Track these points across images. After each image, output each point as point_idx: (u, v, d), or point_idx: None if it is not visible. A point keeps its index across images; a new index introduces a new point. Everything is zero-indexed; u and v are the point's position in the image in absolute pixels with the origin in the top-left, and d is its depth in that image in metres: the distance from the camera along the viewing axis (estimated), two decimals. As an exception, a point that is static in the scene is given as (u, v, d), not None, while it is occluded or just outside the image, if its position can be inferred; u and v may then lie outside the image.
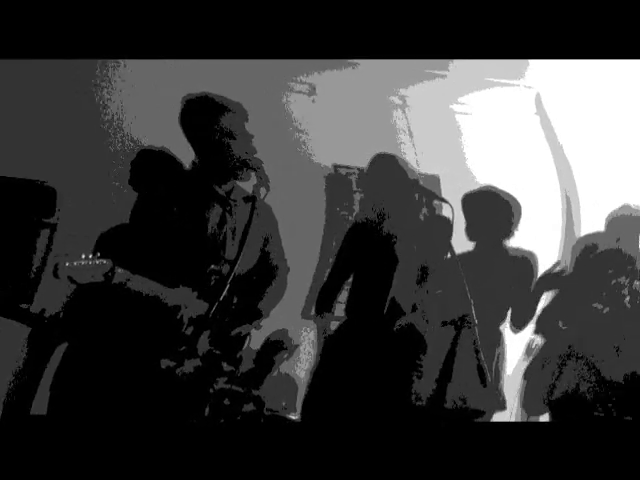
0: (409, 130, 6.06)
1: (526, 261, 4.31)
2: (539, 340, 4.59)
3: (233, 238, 3.35)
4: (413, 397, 3.85)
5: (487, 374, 3.85)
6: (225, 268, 3.27)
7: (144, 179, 3.64)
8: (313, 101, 6.03)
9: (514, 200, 4.29)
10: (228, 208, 3.38)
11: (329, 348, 3.96)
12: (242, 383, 3.42)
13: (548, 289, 4.31)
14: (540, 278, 4.24)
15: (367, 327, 3.89)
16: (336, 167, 6.24)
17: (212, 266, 3.30)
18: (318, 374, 3.96)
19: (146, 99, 5.37)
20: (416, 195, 3.96)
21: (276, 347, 5.32)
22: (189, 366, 3.19)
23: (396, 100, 6.23)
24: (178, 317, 3.18)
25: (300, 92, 6.05)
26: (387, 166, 4.03)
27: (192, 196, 3.33)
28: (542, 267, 4.37)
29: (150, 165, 3.72)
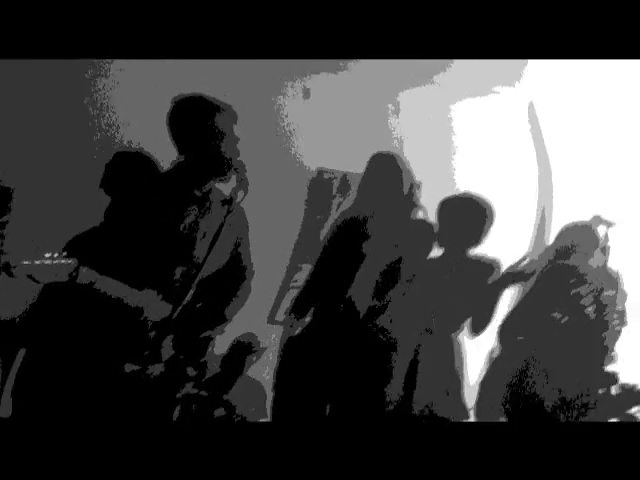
0: (400, 135, 6.10)
1: (489, 267, 4.32)
2: (498, 350, 4.64)
3: (204, 240, 3.33)
4: (385, 401, 3.86)
5: (451, 383, 3.98)
6: (192, 270, 3.26)
7: (116, 182, 3.66)
8: (304, 98, 6.05)
9: (485, 208, 4.31)
10: (202, 210, 3.37)
11: (291, 349, 3.99)
12: (209, 388, 3.43)
13: (512, 283, 4.26)
14: (505, 272, 4.24)
15: (327, 328, 3.90)
16: (320, 171, 6.29)
17: (179, 268, 3.30)
18: (280, 378, 3.98)
19: (135, 100, 5.43)
20: (414, 199, 4.01)
21: (244, 351, 5.39)
22: (154, 370, 3.20)
23: (390, 105, 6.29)
24: (141, 320, 3.18)
25: (294, 95, 6.10)
26: (387, 165, 4.05)
27: (167, 197, 3.32)
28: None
29: (123, 167, 3.74)
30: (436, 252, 4.30)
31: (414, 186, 4.06)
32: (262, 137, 5.72)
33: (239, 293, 3.62)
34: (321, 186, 6.31)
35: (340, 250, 4.00)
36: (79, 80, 5.44)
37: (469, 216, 4.30)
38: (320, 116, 5.98)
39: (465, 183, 5.45)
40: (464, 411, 4.17)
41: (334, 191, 6.31)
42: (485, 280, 4.28)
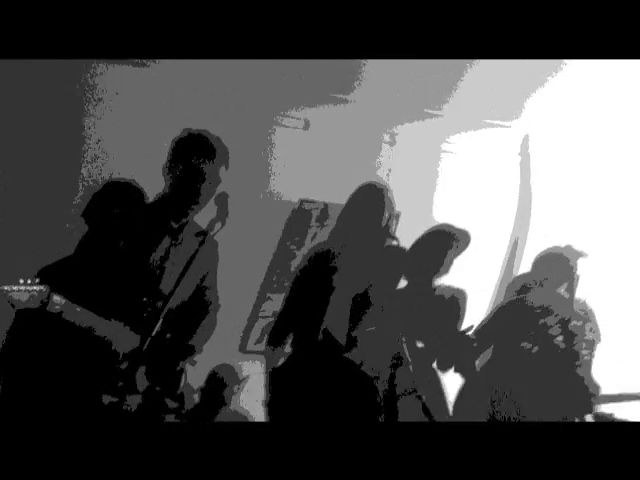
0: (390, 166, 6.12)
1: (454, 300, 4.43)
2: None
3: (172, 272, 3.36)
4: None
5: (431, 411, 3.96)
6: (159, 302, 3.28)
7: (98, 212, 3.64)
8: (304, 129, 6.10)
9: (454, 240, 4.40)
10: (174, 242, 3.43)
11: (279, 380, 3.99)
12: (192, 419, 3.42)
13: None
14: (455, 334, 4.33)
15: (309, 359, 3.91)
16: (302, 202, 6.26)
17: (145, 299, 3.33)
18: (274, 407, 3.97)
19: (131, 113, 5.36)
20: (390, 230, 4.05)
21: (221, 383, 5.38)
22: (131, 402, 3.20)
23: (386, 137, 6.29)
24: (112, 350, 3.20)
25: (292, 127, 6.05)
26: (368, 196, 4.07)
27: (142, 228, 3.38)
28: (472, 305, 4.52)
29: (108, 197, 3.70)
30: (403, 282, 4.37)
31: (392, 217, 4.10)
32: (254, 167, 5.79)
33: (204, 326, 3.66)
34: (300, 216, 6.30)
35: (310, 282, 4.03)
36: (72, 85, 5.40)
37: (433, 246, 4.39)
38: (317, 148, 5.98)
39: (446, 214, 5.56)
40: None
41: (312, 221, 6.32)
42: (450, 311, 4.39)
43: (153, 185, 3.64)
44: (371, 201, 4.06)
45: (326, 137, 5.97)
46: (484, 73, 5.24)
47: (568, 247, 4.85)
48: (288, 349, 4.09)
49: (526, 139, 6.60)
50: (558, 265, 4.76)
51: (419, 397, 3.80)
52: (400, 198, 4.62)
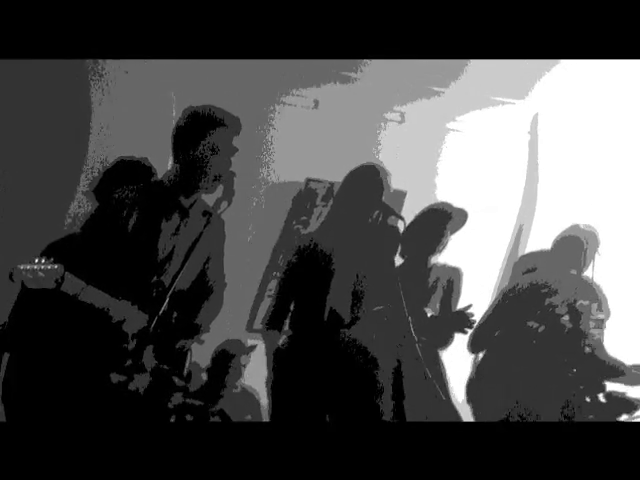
0: (399, 145, 6.10)
1: (449, 279, 4.45)
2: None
3: (181, 250, 3.33)
4: (380, 411, 3.87)
5: (439, 389, 4.00)
6: (167, 281, 3.26)
7: (108, 188, 3.64)
8: (313, 108, 6.06)
9: (449, 218, 4.41)
10: (185, 221, 3.39)
11: (282, 363, 3.98)
12: (201, 397, 3.44)
13: (455, 329, 4.34)
14: (452, 314, 4.34)
15: (312, 339, 3.91)
16: (308, 181, 6.30)
17: (155, 278, 3.32)
18: (277, 389, 3.97)
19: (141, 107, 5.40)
20: (376, 211, 4.00)
21: (228, 358, 5.39)
22: (140, 381, 3.20)
23: (393, 116, 6.30)
24: (121, 330, 3.18)
25: (301, 105, 6.09)
26: (360, 178, 4.06)
27: (152, 206, 3.34)
28: (478, 285, 4.53)
29: (119, 175, 3.74)
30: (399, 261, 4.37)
31: (378, 199, 4.04)
32: (263, 147, 5.78)
33: (210, 305, 3.64)
34: (307, 195, 6.32)
35: (309, 264, 4.02)
36: (76, 81, 5.39)
37: (429, 225, 4.42)
38: (324, 127, 6.00)
39: (453, 194, 5.49)
40: (455, 415, 4.24)
41: (318, 200, 6.33)
42: (446, 288, 4.42)
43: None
44: (366, 182, 4.03)
45: (334, 116, 5.98)
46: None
47: (575, 226, 4.83)
48: (287, 330, 4.09)
49: (535, 118, 6.57)
50: (565, 244, 4.74)
51: (425, 376, 3.82)
52: (407, 177, 4.62)
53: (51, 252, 3.39)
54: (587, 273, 4.76)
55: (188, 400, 3.35)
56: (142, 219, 3.31)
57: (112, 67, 5.45)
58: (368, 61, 5.60)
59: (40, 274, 2.97)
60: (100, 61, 5.26)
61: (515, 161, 6.65)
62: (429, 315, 4.36)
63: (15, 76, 4.91)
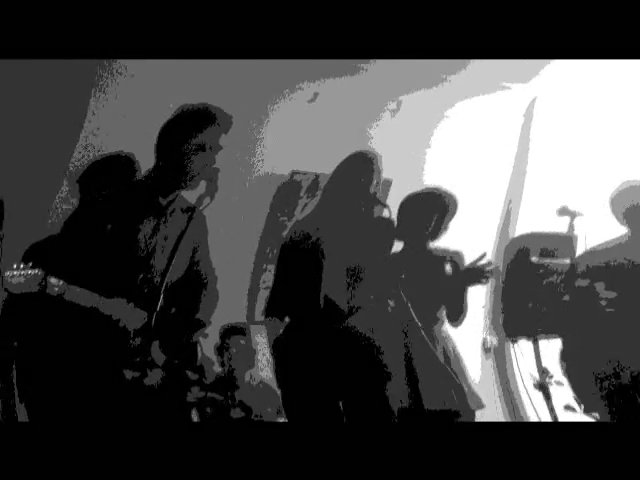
0: (394, 134, 6.08)
1: (453, 262, 4.39)
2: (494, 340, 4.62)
3: (163, 247, 3.34)
4: (390, 398, 3.86)
5: (452, 373, 4.01)
6: (156, 277, 3.28)
7: (91, 182, 3.66)
8: (310, 102, 6.05)
9: (444, 200, 4.37)
10: (163, 218, 3.39)
11: (286, 351, 3.96)
12: (218, 390, 3.43)
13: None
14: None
15: (314, 328, 3.88)
16: (293, 173, 6.29)
17: (142, 275, 3.31)
18: (286, 378, 3.95)
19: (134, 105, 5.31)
20: (363, 200, 3.99)
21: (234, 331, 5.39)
22: (154, 376, 3.21)
23: (391, 105, 6.27)
24: (122, 327, 3.19)
25: (300, 95, 6.04)
26: (351, 166, 4.05)
27: (130, 205, 3.33)
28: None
29: (102, 171, 3.74)
30: (397, 247, 4.34)
31: (379, 184, 4.05)
32: (256, 140, 5.76)
33: (206, 299, 3.64)
34: (291, 187, 6.32)
35: (301, 251, 4.00)
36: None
37: (427, 209, 4.37)
38: (323, 117, 5.95)
39: (440, 179, 5.47)
40: (476, 402, 4.19)
41: (302, 192, 6.33)
42: (449, 272, 4.37)
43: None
44: (358, 168, 4.02)
45: (331, 107, 5.96)
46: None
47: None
48: (286, 319, 4.07)
49: (533, 102, 6.60)
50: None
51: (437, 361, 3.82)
52: (399, 163, 4.60)
53: (35, 252, 3.48)
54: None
55: (207, 393, 3.32)
56: (122, 217, 3.30)
57: (107, 67, 5.39)
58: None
59: (21, 279, 2.98)
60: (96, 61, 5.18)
61: (507, 144, 6.69)
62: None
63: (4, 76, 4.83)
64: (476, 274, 4.25)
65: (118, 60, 5.15)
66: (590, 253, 4.59)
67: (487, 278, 4.26)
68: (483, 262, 4.25)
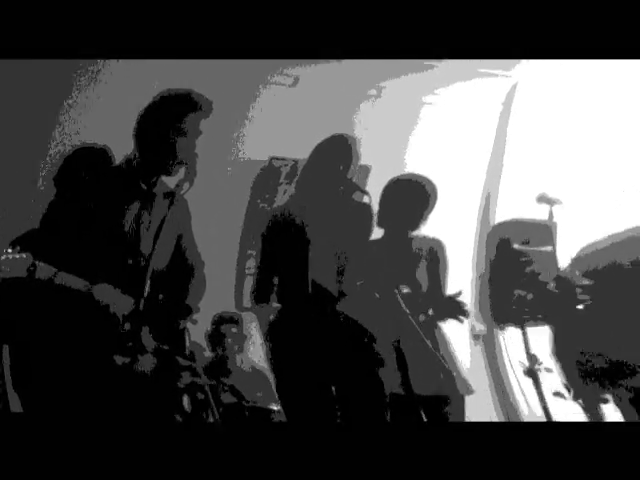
0: (374, 121, 6.09)
1: (431, 248, 4.42)
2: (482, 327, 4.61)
3: (148, 233, 3.34)
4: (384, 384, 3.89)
5: (441, 360, 4.03)
6: (142, 263, 3.27)
7: (68, 176, 3.64)
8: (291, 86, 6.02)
9: (427, 189, 4.36)
10: (146, 203, 3.38)
11: (278, 337, 3.96)
12: (208, 375, 3.43)
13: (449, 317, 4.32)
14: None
15: (303, 313, 3.88)
16: (272, 159, 6.29)
17: (129, 261, 3.31)
18: (278, 364, 3.96)
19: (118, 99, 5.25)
20: (340, 187, 3.99)
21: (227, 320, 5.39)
22: (145, 362, 3.20)
23: (372, 90, 6.28)
24: (111, 312, 3.17)
25: (281, 84, 6.04)
26: (328, 150, 4.04)
27: (112, 191, 3.32)
28: (454, 254, 4.53)
29: (78, 162, 3.72)
30: (377, 234, 4.34)
31: (355, 169, 4.05)
32: (234, 127, 5.73)
33: (194, 284, 3.65)
34: (270, 174, 6.34)
35: (284, 236, 4.00)
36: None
37: (407, 196, 4.36)
38: (304, 105, 5.98)
39: (419, 167, 5.48)
40: (466, 387, 4.23)
41: (282, 178, 6.34)
42: (430, 260, 4.40)
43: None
44: (336, 151, 4.02)
45: (314, 92, 5.97)
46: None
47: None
48: (275, 304, 4.07)
49: (513, 89, 6.63)
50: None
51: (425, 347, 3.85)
52: (376, 152, 4.59)
53: (21, 239, 3.42)
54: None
55: (197, 379, 3.33)
56: (103, 204, 3.28)
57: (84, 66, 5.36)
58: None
59: (11, 263, 2.98)
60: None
61: (486, 132, 6.72)
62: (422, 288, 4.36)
63: None
64: (454, 309, 4.25)
65: (95, 59, 5.16)
66: (571, 242, 4.66)
67: (463, 317, 4.28)
68: (460, 300, 4.26)
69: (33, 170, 5.21)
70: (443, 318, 4.32)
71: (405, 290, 4.05)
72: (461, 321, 4.30)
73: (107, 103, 5.33)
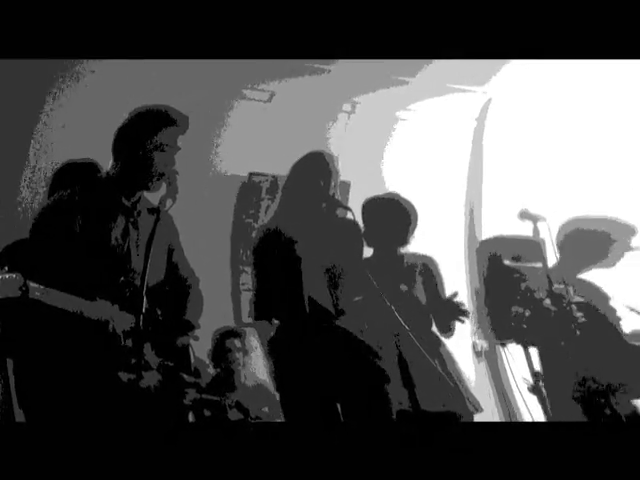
0: (349, 136, 6.16)
1: (423, 264, 4.44)
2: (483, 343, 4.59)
3: (137, 249, 3.34)
4: (391, 401, 3.88)
5: (445, 376, 4.02)
6: (136, 280, 3.24)
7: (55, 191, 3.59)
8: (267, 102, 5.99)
9: (405, 206, 4.38)
10: (132, 220, 3.37)
11: (281, 353, 3.94)
12: (214, 392, 3.40)
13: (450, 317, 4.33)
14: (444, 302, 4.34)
15: (304, 329, 3.87)
16: (251, 175, 6.36)
17: (122, 278, 3.29)
18: (283, 381, 3.94)
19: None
20: (323, 204, 4.00)
21: (233, 336, 5.36)
22: (150, 378, 3.19)
23: (346, 106, 6.33)
24: (110, 330, 3.15)
25: (257, 99, 6.09)
26: (307, 167, 4.04)
27: (97, 208, 3.30)
28: (444, 270, 4.53)
29: (64, 177, 3.72)
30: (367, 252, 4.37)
31: (336, 186, 4.05)
32: (213, 141, 5.70)
33: (191, 300, 3.65)
34: (250, 189, 6.40)
35: (274, 255, 3.99)
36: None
37: (389, 214, 4.37)
38: (279, 119, 6.00)
39: (398, 181, 5.63)
40: (474, 404, 4.22)
41: (263, 194, 6.39)
42: (426, 278, 4.41)
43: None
44: (315, 169, 4.02)
45: (288, 108, 5.99)
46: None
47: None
48: (275, 321, 4.06)
49: (487, 103, 6.69)
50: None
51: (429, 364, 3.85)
52: (353, 168, 4.62)
53: (7, 256, 3.45)
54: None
55: (203, 395, 3.30)
56: (88, 221, 3.27)
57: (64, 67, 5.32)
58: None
59: (1, 285, 2.94)
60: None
61: (461, 147, 6.77)
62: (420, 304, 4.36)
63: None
64: (453, 311, 4.26)
65: (76, 60, 5.20)
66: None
67: (465, 317, 4.29)
68: (456, 300, 4.26)
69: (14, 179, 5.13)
70: (445, 320, 4.32)
71: (404, 288, 4.08)
72: (462, 321, 4.31)
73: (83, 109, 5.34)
